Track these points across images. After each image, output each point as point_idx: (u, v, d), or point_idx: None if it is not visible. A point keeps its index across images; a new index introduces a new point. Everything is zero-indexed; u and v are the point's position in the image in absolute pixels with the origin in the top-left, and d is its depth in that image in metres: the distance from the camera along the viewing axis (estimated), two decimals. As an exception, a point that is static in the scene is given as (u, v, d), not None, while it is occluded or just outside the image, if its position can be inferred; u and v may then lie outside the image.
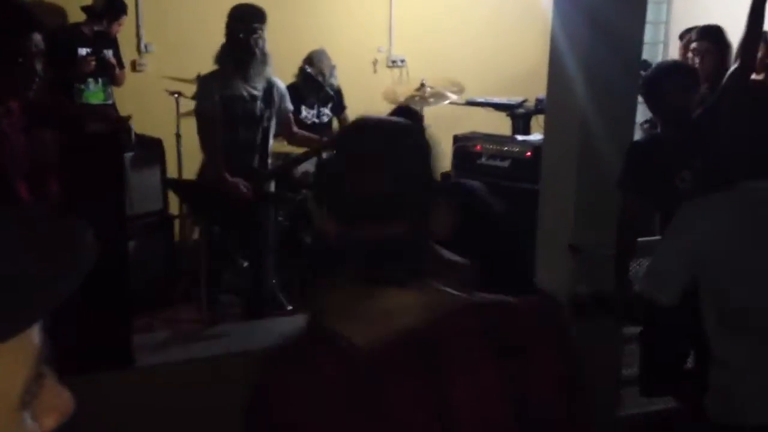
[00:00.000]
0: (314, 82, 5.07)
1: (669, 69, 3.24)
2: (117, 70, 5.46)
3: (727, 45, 4.18)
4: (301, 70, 5.13)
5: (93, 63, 5.22)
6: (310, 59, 5.51)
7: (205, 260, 4.29)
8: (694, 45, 4.32)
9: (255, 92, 3.96)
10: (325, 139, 4.49)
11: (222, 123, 3.93)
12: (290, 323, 3.77)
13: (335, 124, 5.58)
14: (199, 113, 4.08)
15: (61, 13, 5.54)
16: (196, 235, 5.15)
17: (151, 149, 5.09)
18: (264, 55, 3.95)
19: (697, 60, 4.25)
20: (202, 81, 4.15)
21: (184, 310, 4.80)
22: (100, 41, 5.35)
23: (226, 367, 3.00)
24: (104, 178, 2.83)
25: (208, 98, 3.93)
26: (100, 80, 5.34)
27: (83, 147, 2.78)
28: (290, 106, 4.23)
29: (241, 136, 3.98)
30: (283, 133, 4.38)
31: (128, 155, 4.81)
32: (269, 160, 4.17)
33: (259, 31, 3.92)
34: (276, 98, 4.07)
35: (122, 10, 5.44)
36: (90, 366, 2.56)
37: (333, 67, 5.55)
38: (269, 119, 4.05)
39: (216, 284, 4.29)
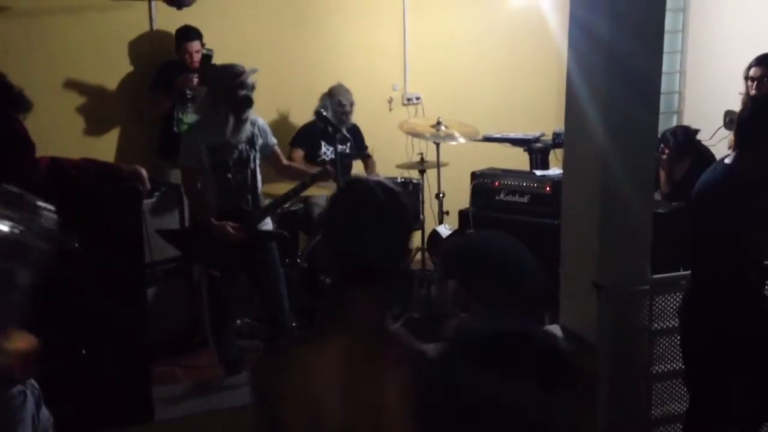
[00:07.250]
0: (330, 124, 5.06)
1: None
2: None
3: None
4: (317, 113, 5.14)
5: (195, 80, 5.32)
6: (330, 93, 5.64)
7: (208, 308, 4.29)
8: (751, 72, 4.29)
9: (241, 136, 4.01)
10: (315, 171, 4.40)
11: (211, 170, 4.01)
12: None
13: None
14: (182, 166, 4.17)
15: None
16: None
17: (170, 195, 5.09)
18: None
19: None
20: (187, 135, 4.25)
21: (206, 356, 4.76)
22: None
23: (246, 418, 2.95)
24: (122, 230, 2.82)
25: (191, 151, 4.01)
26: None
27: (101, 199, 2.78)
28: (273, 140, 4.27)
29: (232, 181, 4.04)
30: (274, 167, 4.38)
31: (149, 201, 4.82)
32: (260, 200, 4.18)
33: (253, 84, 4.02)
34: (260, 137, 4.12)
35: (183, 37, 5.46)
36: (110, 421, 2.52)
37: (352, 104, 5.60)
38: (255, 160, 4.11)
39: (228, 330, 4.25)
